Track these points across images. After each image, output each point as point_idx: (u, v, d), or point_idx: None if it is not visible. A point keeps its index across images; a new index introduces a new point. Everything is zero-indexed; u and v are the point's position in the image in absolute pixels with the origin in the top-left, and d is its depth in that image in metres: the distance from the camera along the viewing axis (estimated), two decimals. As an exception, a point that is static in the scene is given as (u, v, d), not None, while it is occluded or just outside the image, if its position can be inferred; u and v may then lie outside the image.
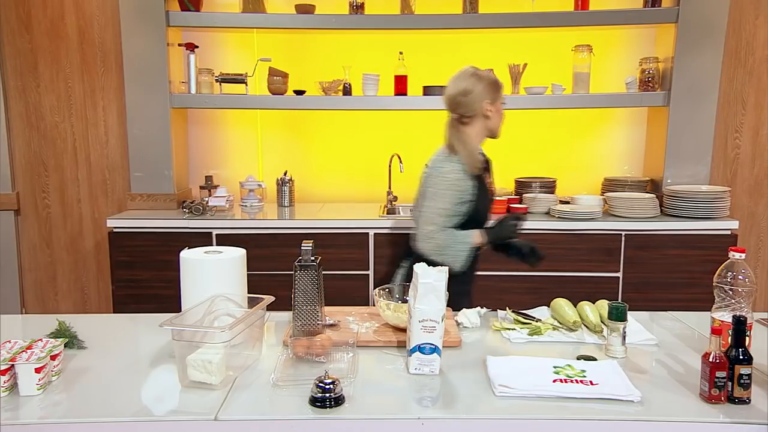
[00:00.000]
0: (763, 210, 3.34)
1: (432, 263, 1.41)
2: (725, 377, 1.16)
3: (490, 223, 1.95)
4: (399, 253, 2.87)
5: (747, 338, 1.26)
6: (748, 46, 3.19)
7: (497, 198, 3.07)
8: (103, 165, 3.36)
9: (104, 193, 3.38)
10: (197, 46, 3.17)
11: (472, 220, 1.85)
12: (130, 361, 1.37)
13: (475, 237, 1.83)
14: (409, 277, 1.46)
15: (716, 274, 1.34)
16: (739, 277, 1.30)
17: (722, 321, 1.30)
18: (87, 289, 3.43)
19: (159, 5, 3.03)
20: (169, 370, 1.30)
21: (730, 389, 1.16)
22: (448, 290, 1.31)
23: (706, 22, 2.98)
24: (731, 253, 1.32)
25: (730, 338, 1.20)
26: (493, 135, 1.90)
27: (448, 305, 1.36)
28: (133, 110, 3.13)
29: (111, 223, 2.90)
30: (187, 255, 1.45)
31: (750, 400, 1.16)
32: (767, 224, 3.35)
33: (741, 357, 1.16)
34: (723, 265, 1.33)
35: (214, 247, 1.52)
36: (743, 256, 1.31)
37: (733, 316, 1.19)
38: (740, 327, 1.17)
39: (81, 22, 3.23)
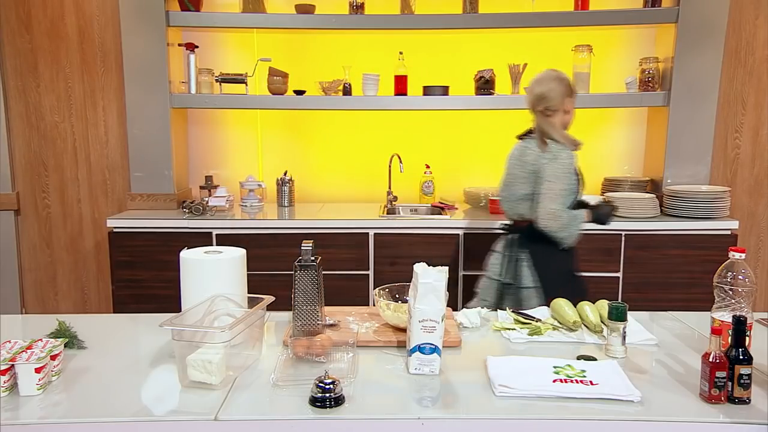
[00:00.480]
0: (763, 210, 3.34)
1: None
2: (725, 377, 1.16)
3: (589, 203, 2.22)
4: (399, 253, 2.88)
5: (747, 338, 1.26)
6: (748, 46, 3.19)
7: (496, 198, 3.07)
8: (103, 165, 3.36)
9: (104, 193, 3.38)
10: (197, 46, 3.17)
11: (575, 197, 2.12)
12: (130, 361, 1.37)
13: (585, 215, 2.11)
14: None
15: (716, 274, 1.33)
16: (739, 277, 1.30)
17: (722, 321, 1.30)
18: (87, 289, 3.43)
19: (159, 5, 3.03)
20: (169, 370, 1.30)
21: (730, 389, 1.16)
22: (558, 267, 1.84)
23: (706, 22, 2.98)
24: (731, 253, 1.32)
25: (730, 338, 1.20)
26: (566, 127, 2.15)
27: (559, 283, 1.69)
28: (133, 110, 3.13)
29: (111, 223, 2.90)
30: (187, 255, 1.45)
31: (750, 400, 1.16)
32: (767, 224, 3.35)
33: (741, 357, 1.16)
34: (723, 265, 1.33)
35: (214, 247, 1.52)
36: (743, 256, 1.31)
37: (733, 316, 1.19)
38: (740, 327, 1.17)
39: (81, 22, 3.23)
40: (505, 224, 2.24)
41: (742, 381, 1.16)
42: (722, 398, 1.16)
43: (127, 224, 2.89)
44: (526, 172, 2.11)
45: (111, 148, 3.35)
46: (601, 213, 2.13)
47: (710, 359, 1.17)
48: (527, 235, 2.10)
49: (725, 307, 1.32)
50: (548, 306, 1.68)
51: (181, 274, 1.45)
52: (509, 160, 2.25)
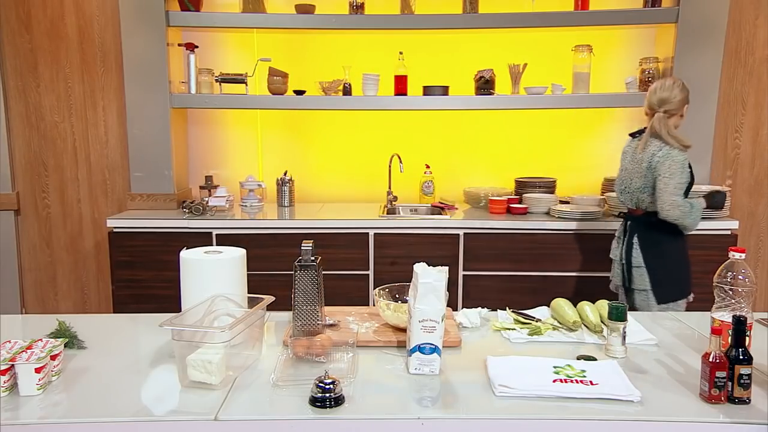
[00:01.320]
0: (763, 210, 3.34)
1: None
2: (725, 377, 1.16)
3: (703, 193, 2.49)
4: (399, 253, 2.89)
5: (747, 338, 1.26)
6: (747, 46, 3.19)
7: (497, 198, 3.08)
8: (103, 165, 3.36)
9: (104, 193, 3.38)
10: (197, 46, 3.17)
11: (688, 190, 2.31)
12: (130, 361, 1.37)
13: (703, 202, 2.35)
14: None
15: (716, 274, 1.33)
16: (739, 277, 1.30)
17: (722, 321, 1.30)
18: (87, 289, 3.43)
19: (159, 5, 3.03)
20: (169, 370, 1.30)
21: (730, 389, 1.16)
22: (664, 250, 2.30)
23: (706, 22, 2.98)
24: (731, 253, 1.32)
25: (730, 338, 1.20)
26: (676, 128, 2.33)
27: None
28: (133, 110, 3.14)
29: (111, 223, 2.90)
30: (186, 255, 1.45)
31: (750, 400, 1.16)
32: (767, 224, 3.35)
33: (741, 357, 1.16)
34: (723, 265, 1.33)
35: (214, 247, 1.52)
36: (743, 256, 1.32)
37: (733, 316, 1.19)
38: (740, 327, 1.17)
39: (81, 22, 3.23)
40: (622, 213, 2.51)
41: (742, 381, 1.16)
42: (722, 398, 1.16)
43: (127, 224, 2.89)
44: (641, 167, 2.32)
45: (111, 148, 3.35)
46: (716, 199, 2.43)
47: (710, 359, 1.17)
48: (641, 221, 2.37)
49: (725, 307, 1.32)
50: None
51: (181, 274, 1.45)
52: (623, 156, 2.48)
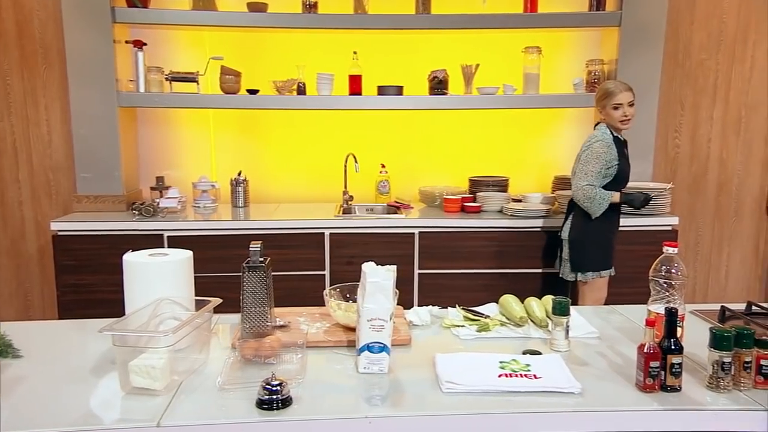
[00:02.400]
0: (701, 206, 3.51)
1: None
2: (658, 367, 1.21)
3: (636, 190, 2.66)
4: (355, 252, 2.89)
5: (680, 329, 1.33)
6: (685, 50, 3.35)
7: (451, 197, 3.12)
8: (46, 166, 3.23)
9: (48, 195, 3.25)
10: (145, 44, 3.08)
11: (615, 182, 2.56)
12: (70, 369, 1.32)
13: (614, 196, 2.54)
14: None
15: (652, 269, 1.39)
16: (672, 270, 1.36)
17: (657, 313, 1.36)
18: (30, 296, 3.29)
19: (104, 1, 2.94)
20: (111, 377, 1.27)
21: (663, 378, 1.22)
22: (590, 239, 2.59)
23: (646, 26, 3.11)
24: (665, 248, 1.38)
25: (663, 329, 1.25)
26: (616, 121, 2.54)
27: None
28: (78, 109, 3.03)
29: (55, 225, 2.79)
30: (130, 258, 1.41)
31: (681, 388, 1.22)
32: (705, 220, 3.52)
33: (672, 347, 1.22)
34: (658, 259, 1.39)
35: (160, 250, 1.49)
36: (676, 250, 1.38)
37: (666, 308, 1.25)
38: (672, 318, 1.23)
39: (19, 17, 3.09)
40: None
41: (673, 370, 1.21)
42: (656, 387, 1.22)
43: (73, 227, 2.79)
44: (578, 154, 2.64)
45: (55, 148, 3.22)
46: (633, 198, 2.56)
47: (645, 350, 1.22)
48: (573, 202, 2.64)
49: (660, 300, 1.39)
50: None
51: (124, 278, 1.41)
52: None
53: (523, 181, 3.46)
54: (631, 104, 2.52)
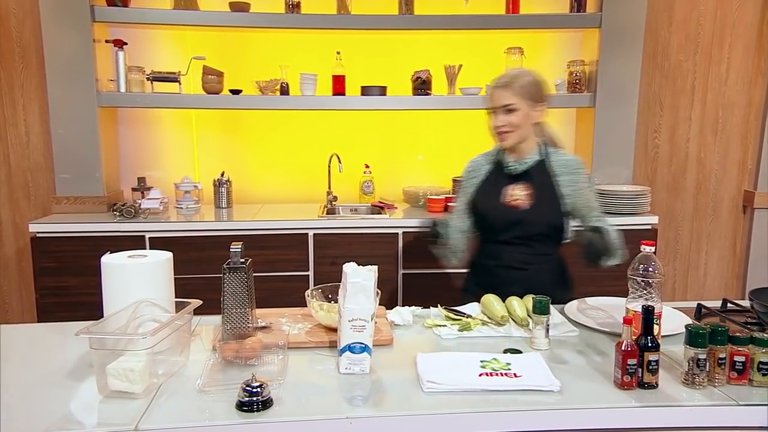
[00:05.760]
0: (680, 206, 3.56)
1: None
2: (636, 364, 1.23)
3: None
4: (339, 253, 2.89)
5: (657, 326, 1.35)
6: (663, 51, 3.40)
7: (435, 197, 3.13)
8: (24, 167, 3.18)
9: (26, 197, 3.20)
10: (126, 43, 3.05)
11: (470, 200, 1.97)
12: (47, 372, 1.30)
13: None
14: None
15: (630, 267, 1.41)
16: (650, 269, 1.38)
17: (634, 311, 1.38)
18: (8, 298, 3.24)
19: (83, 0, 2.90)
20: (88, 380, 1.25)
21: (640, 375, 1.24)
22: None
23: (625, 27, 3.15)
24: (642, 247, 1.40)
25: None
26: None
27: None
28: (57, 109, 2.98)
29: (34, 227, 2.75)
30: (108, 260, 1.40)
31: (657, 385, 1.24)
32: (684, 219, 3.58)
33: (649, 344, 1.23)
34: (635, 258, 1.41)
35: (139, 251, 1.47)
36: (652, 249, 1.40)
37: (642, 306, 1.27)
38: (648, 316, 1.25)
39: (-4, 15, 3.04)
40: None
41: (650, 367, 1.23)
42: (633, 384, 1.23)
43: (52, 228, 2.75)
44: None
45: (33, 149, 3.17)
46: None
47: (622, 348, 1.24)
48: None
49: (638, 298, 1.40)
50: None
51: (102, 280, 1.39)
52: None
53: (506, 181, 3.47)
54: (509, 110, 1.76)
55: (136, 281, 1.37)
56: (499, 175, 1.89)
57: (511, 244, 1.86)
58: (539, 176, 1.84)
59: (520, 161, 1.86)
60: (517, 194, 1.83)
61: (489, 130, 1.85)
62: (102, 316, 1.34)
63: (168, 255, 1.45)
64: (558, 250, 1.97)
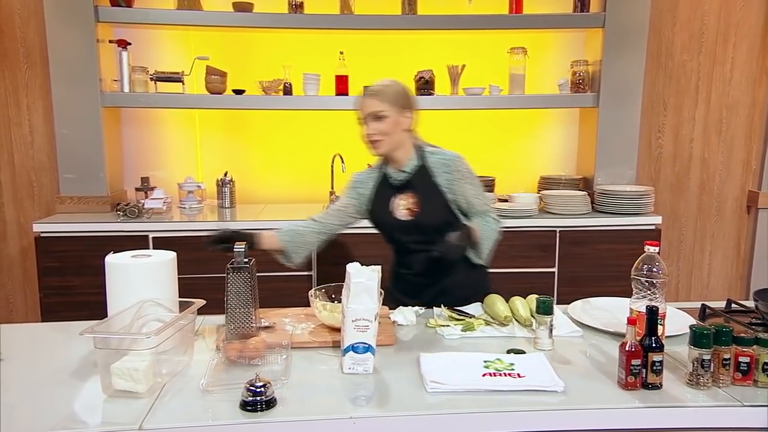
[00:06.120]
0: (684, 206, 3.55)
1: None
2: (640, 365, 1.23)
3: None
4: (342, 253, 2.88)
5: (661, 327, 1.34)
6: (667, 51, 3.39)
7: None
8: (28, 166, 3.19)
9: (30, 196, 3.21)
10: (129, 43, 3.05)
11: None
12: (52, 371, 1.31)
13: None
14: None
15: (633, 268, 1.41)
16: (654, 269, 1.38)
17: (638, 311, 1.38)
18: (12, 298, 3.25)
19: (87, 0, 2.90)
20: (93, 380, 1.25)
21: (644, 376, 1.23)
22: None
23: (629, 27, 3.14)
24: (646, 247, 1.40)
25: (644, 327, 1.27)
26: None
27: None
28: (61, 109, 2.99)
29: (38, 227, 2.75)
30: (112, 260, 1.40)
31: (662, 385, 1.24)
32: (688, 219, 3.56)
33: (654, 345, 1.23)
34: (639, 258, 1.41)
35: (143, 251, 1.48)
36: (657, 249, 1.40)
37: (647, 307, 1.26)
38: (653, 317, 1.25)
39: (0, 15, 3.05)
40: None
41: (654, 367, 1.23)
42: (637, 384, 1.23)
43: (56, 228, 2.76)
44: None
45: (37, 149, 3.18)
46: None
47: (626, 348, 1.23)
48: None
49: (642, 298, 1.40)
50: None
51: (107, 280, 1.40)
52: None
53: (509, 181, 3.47)
54: (378, 118, 1.76)
55: (140, 281, 1.37)
56: (385, 187, 1.89)
57: (415, 251, 1.87)
58: (421, 181, 1.83)
59: (400, 171, 1.85)
60: (404, 203, 1.84)
61: (362, 139, 1.84)
62: (106, 316, 1.34)
63: (172, 255, 1.46)
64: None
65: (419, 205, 1.82)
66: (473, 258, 1.84)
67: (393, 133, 1.78)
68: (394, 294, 1.95)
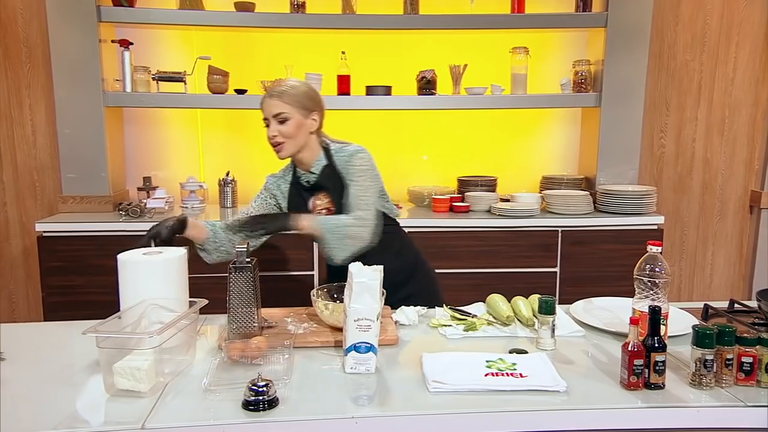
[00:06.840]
0: (686, 206, 3.55)
1: None
2: (642, 365, 1.22)
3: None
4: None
5: (664, 327, 1.34)
6: (669, 51, 3.38)
7: (440, 197, 3.12)
8: (31, 166, 3.20)
9: (33, 196, 3.22)
10: (132, 43, 3.06)
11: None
12: (54, 371, 1.31)
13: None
14: None
15: (636, 267, 1.41)
16: (656, 269, 1.38)
17: (641, 311, 1.38)
18: (15, 297, 3.26)
19: (89, 0, 2.91)
20: (96, 379, 1.26)
21: (647, 376, 1.23)
22: None
23: (631, 27, 3.13)
24: (648, 247, 1.40)
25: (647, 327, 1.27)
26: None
27: None
28: (64, 109, 2.99)
29: (40, 227, 2.76)
30: (124, 257, 1.40)
31: (664, 385, 1.24)
32: (690, 219, 3.56)
33: (656, 345, 1.23)
34: (642, 258, 1.41)
35: (154, 248, 1.48)
36: (659, 249, 1.39)
37: (649, 307, 1.26)
38: (655, 316, 1.24)
39: (2, 15, 3.06)
40: None
41: (657, 367, 1.23)
42: (640, 384, 1.23)
43: (59, 228, 2.76)
44: None
45: (39, 149, 3.19)
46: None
47: (629, 348, 1.23)
48: None
49: (645, 298, 1.40)
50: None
51: (119, 277, 1.40)
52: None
53: (511, 180, 3.47)
54: (281, 119, 1.75)
55: (151, 278, 1.37)
56: (299, 189, 1.88)
57: None
58: (331, 180, 1.81)
59: (309, 172, 1.84)
60: (319, 204, 1.84)
61: (268, 142, 1.81)
62: (108, 315, 1.34)
63: (182, 251, 1.46)
64: (394, 241, 1.92)
65: (335, 204, 1.81)
66: (332, 257, 1.75)
67: (296, 135, 1.76)
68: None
